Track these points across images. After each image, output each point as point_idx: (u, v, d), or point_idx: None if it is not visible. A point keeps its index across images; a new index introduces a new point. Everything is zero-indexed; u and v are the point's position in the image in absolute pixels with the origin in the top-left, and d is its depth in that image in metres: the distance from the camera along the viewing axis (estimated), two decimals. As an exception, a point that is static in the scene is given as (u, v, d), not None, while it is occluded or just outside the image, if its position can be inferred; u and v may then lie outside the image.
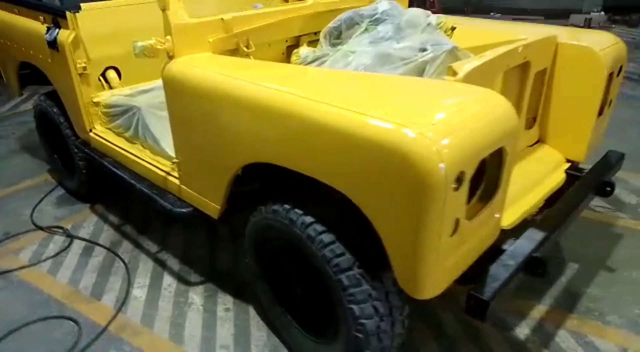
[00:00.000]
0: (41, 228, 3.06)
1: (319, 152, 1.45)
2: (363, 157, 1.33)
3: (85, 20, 2.63)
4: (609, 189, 2.12)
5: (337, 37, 2.31)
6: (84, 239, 2.92)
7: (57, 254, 2.80)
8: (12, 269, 2.68)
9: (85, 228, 3.06)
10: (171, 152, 2.21)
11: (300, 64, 2.29)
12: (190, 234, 2.92)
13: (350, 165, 1.38)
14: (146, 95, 2.68)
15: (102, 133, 2.75)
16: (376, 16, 2.24)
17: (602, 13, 8.75)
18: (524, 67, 1.99)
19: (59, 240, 2.94)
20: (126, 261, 2.71)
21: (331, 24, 2.28)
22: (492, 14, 10.18)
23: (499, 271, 1.58)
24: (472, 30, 2.46)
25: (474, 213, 1.49)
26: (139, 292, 2.46)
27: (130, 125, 2.56)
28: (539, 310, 2.24)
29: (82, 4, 2.66)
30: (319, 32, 2.34)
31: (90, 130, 2.80)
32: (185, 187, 2.17)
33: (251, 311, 2.30)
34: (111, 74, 2.87)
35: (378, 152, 1.28)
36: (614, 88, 2.27)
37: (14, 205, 3.37)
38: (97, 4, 2.82)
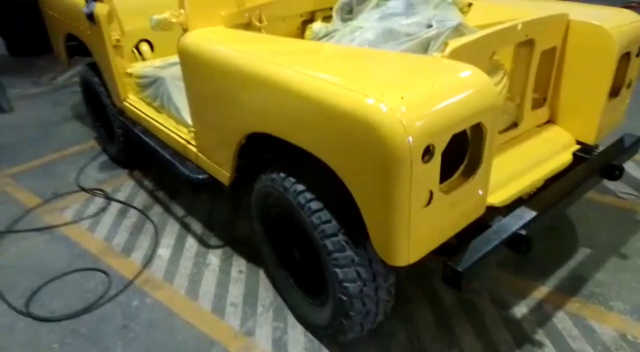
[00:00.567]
0: (84, 190, 3.36)
1: (305, 122, 1.55)
2: (339, 128, 1.41)
3: (115, -6, 2.80)
4: (617, 172, 2.07)
5: (349, 12, 2.35)
6: (120, 202, 3.18)
7: (96, 213, 3.08)
8: (56, 224, 2.98)
9: (123, 191, 3.32)
10: (190, 121, 2.37)
11: (312, 38, 2.36)
12: (215, 201, 3.11)
13: (329, 135, 1.47)
14: (174, 67, 2.84)
15: (134, 102, 2.96)
16: (388, -9, 2.26)
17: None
18: (530, 44, 1.97)
19: (98, 201, 3.22)
20: (155, 222, 2.94)
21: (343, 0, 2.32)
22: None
23: (479, 245, 1.63)
24: (489, 7, 2.41)
25: (454, 187, 1.55)
26: (164, 251, 2.69)
27: (157, 95, 2.75)
28: (541, 291, 2.25)
29: (117, -20, 2.84)
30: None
31: (125, 100, 3.01)
32: (201, 155, 2.33)
33: (261, 274, 2.46)
34: (144, 47, 3.06)
35: (351, 123, 1.36)
36: (633, 68, 2.19)
37: (63, 168, 3.70)
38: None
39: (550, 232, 2.64)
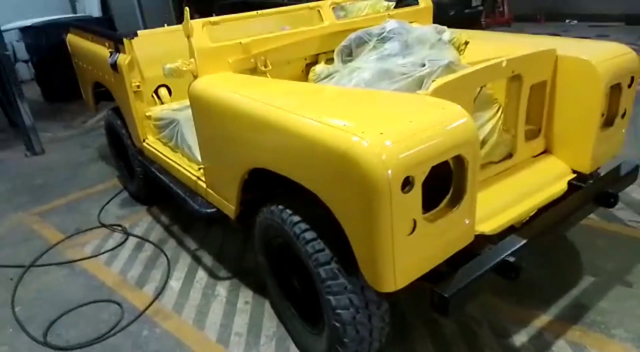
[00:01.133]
0: (104, 225, 3.53)
1: (297, 158, 1.67)
2: (326, 163, 1.52)
3: (140, 45, 3.05)
4: (612, 200, 2.10)
5: (349, 54, 2.50)
6: (137, 236, 3.33)
7: (114, 248, 3.23)
8: (76, 259, 3.14)
9: (140, 227, 3.48)
10: (200, 159, 2.52)
11: (315, 79, 2.52)
12: (226, 235, 3.22)
13: (318, 169, 1.58)
14: (188, 110, 3.00)
15: (152, 143, 3.15)
16: (383, 34, 2.41)
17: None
18: (518, 79, 2.06)
19: (117, 236, 3.38)
20: (169, 256, 3.07)
21: (343, 43, 2.48)
22: (567, 21, 9.73)
23: (466, 271, 1.68)
24: (484, 45, 2.54)
25: (440, 216, 1.62)
26: (175, 284, 2.79)
27: (172, 136, 2.93)
28: (542, 320, 2.25)
29: (138, 31, 3.09)
30: (336, 50, 2.55)
31: (144, 140, 3.21)
32: (210, 190, 2.47)
33: (266, 305, 2.52)
34: (162, 91, 3.28)
35: (336, 158, 1.47)
36: (626, 99, 2.25)
37: (87, 205, 3.90)
38: (152, 31, 3.26)
39: (554, 260, 2.64)
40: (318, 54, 2.67)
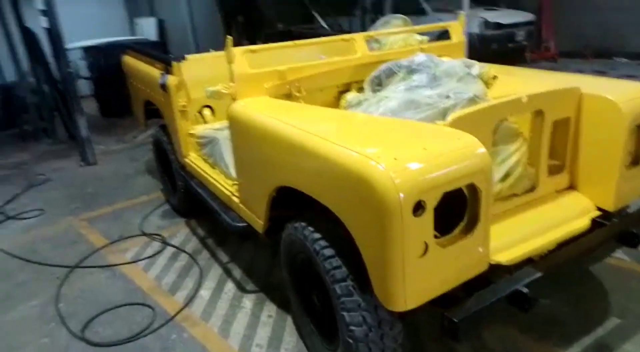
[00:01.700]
0: (145, 234, 3.76)
1: (319, 177, 1.80)
2: (344, 183, 1.64)
3: (188, 68, 3.29)
4: (636, 240, 2.10)
5: (378, 84, 2.63)
6: (174, 246, 3.53)
7: (152, 255, 3.43)
8: (117, 263, 3.35)
9: (178, 237, 3.68)
10: (235, 175, 2.69)
11: (346, 106, 2.66)
12: (257, 250, 3.36)
13: (337, 189, 1.70)
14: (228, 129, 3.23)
15: (193, 159, 3.36)
16: (412, 67, 2.52)
17: None
18: (540, 115, 2.12)
19: (156, 245, 3.59)
20: (202, 266, 3.23)
21: (373, 73, 2.61)
22: (615, 58, 9.53)
23: (479, 298, 1.73)
24: (512, 81, 2.61)
25: (452, 242, 1.69)
26: (205, 293, 2.94)
27: (212, 153, 3.13)
28: (563, 357, 2.24)
29: (187, 56, 3.35)
30: (367, 80, 2.69)
31: (186, 156, 3.43)
32: (242, 205, 2.62)
33: (289, 320, 2.62)
34: (206, 111, 3.51)
35: (353, 179, 1.58)
36: (651, 138, 2.25)
37: (130, 215, 4.16)
38: (200, 55, 3.51)
39: (582, 299, 2.61)
40: (350, 83, 2.81)
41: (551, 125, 2.16)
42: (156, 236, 3.70)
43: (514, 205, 2.22)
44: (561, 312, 2.52)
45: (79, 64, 9.61)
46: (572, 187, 2.38)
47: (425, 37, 3.23)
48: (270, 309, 2.73)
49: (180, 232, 3.75)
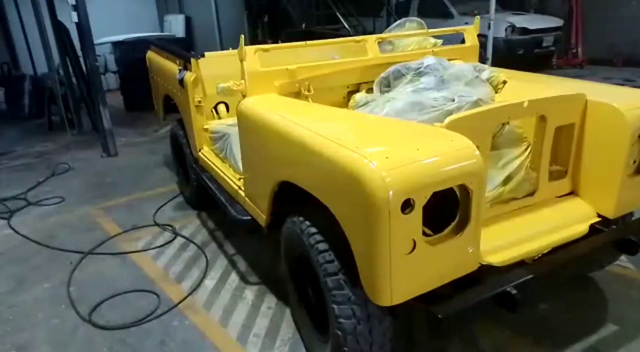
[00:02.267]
0: (157, 225, 3.87)
1: (316, 173, 1.85)
2: (338, 179, 1.68)
3: (206, 65, 3.38)
4: (634, 248, 2.09)
5: (387, 85, 2.66)
6: (184, 237, 3.63)
7: (162, 245, 3.54)
8: (129, 251, 3.47)
9: (188, 229, 3.78)
10: (242, 170, 2.76)
11: (354, 106, 2.70)
12: (262, 243, 3.43)
13: (332, 185, 1.75)
14: (240, 125, 3.31)
15: (206, 153, 3.45)
16: (420, 69, 2.55)
17: None
18: (543, 120, 2.13)
19: (167, 235, 3.69)
20: (209, 257, 3.32)
21: (382, 75, 2.65)
22: (645, 66, 9.31)
23: (465, 297, 1.76)
24: (522, 86, 2.61)
25: (442, 241, 1.72)
26: (209, 283, 3.03)
27: (223, 148, 3.21)
28: (553, 362, 2.24)
29: (206, 53, 3.44)
30: (377, 80, 2.73)
31: (200, 150, 3.52)
32: (247, 199, 2.69)
33: (287, 312, 2.68)
34: (221, 107, 3.60)
35: (346, 176, 1.63)
36: (658, 148, 2.23)
37: (146, 205, 4.28)
38: (218, 53, 3.60)
39: (581, 306, 2.60)
40: (360, 83, 2.86)
41: (553, 130, 2.16)
42: (168, 227, 3.81)
43: (513, 208, 2.23)
44: (558, 318, 2.51)
45: (109, 58, 9.92)
46: (574, 193, 2.37)
47: (439, 41, 3.24)
48: (270, 301, 2.80)
49: (191, 224, 3.85)
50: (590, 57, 9.87)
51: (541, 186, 2.24)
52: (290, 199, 2.29)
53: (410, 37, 3.10)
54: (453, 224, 1.77)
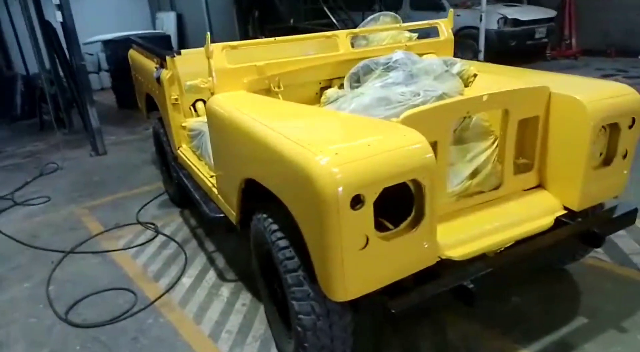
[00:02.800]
0: (140, 223, 3.89)
1: (273, 170, 1.86)
2: (291, 176, 1.69)
3: (183, 62, 3.38)
4: (598, 240, 2.09)
5: (357, 81, 2.66)
6: (165, 235, 3.65)
7: (143, 243, 3.56)
8: (109, 249, 3.49)
9: (170, 227, 3.79)
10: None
11: (325, 102, 2.69)
12: (242, 241, 3.44)
13: (286, 182, 1.76)
14: (217, 123, 3.31)
15: (184, 151, 3.46)
16: (389, 64, 2.54)
17: None
18: (506, 113, 2.12)
19: (149, 233, 3.71)
20: (188, 255, 3.33)
21: (352, 70, 2.64)
22: (639, 57, 9.25)
23: (421, 291, 1.76)
24: (491, 79, 2.61)
25: (396, 236, 1.72)
26: (186, 280, 3.04)
27: (199, 146, 3.21)
28: (520, 354, 2.25)
29: (182, 51, 3.44)
30: (349, 76, 2.72)
31: (178, 148, 3.53)
32: (220, 196, 2.70)
33: (261, 309, 2.69)
34: (199, 105, 3.60)
35: (298, 172, 1.63)
36: (626, 140, 2.22)
37: (130, 204, 4.30)
38: (195, 50, 3.59)
39: (554, 298, 2.61)
40: (332, 79, 2.86)
41: (516, 123, 2.15)
42: (150, 225, 3.82)
43: (479, 202, 2.23)
44: (530, 311, 2.52)
45: (101, 57, 9.92)
46: (542, 186, 2.37)
47: (414, 35, 3.23)
48: (245, 298, 2.81)
49: (174, 222, 3.87)
50: (584, 48, 9.81)
51: (506, 179, 2.23)
52: (257, 196, 2.30)
53: (384, 31, 3.09)
54: (409, 219, 1.78)
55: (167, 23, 10.52)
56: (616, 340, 2.29)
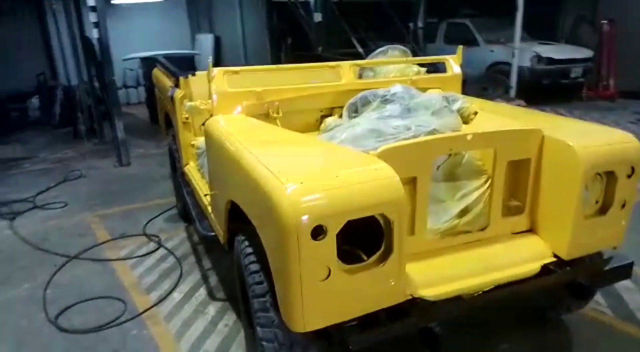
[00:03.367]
0: (145, 235, 3.97)
1: (247, 194, 1.88)
2: (261, 202, 1.70)
3: (198, 82, 3.49)
4: (585, 293, 2.00)
5: (355, 111, 2.68)
6: (166, 248, 3.71)
7: (143, 255, 3.63)
8: (110, 258, 3.58)
9: (173, 241, 3.86)
10: (211, 187, 2.82)
11: (324, 129, 2.72)
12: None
13: (257, 207, 1.78)
14: (223, 143, 3.39)
15: (191, 168, 3.54)
16: (387, 97, 2.56)
17: None
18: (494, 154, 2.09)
19: (151, 245, 3.79)
20: (184, 270, 3.38)
21: (351, 100, 2.66)
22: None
23: (384, 330, 1.72)
24: (492, 118, 2.58)
25: (361, 270, 1.70)
26: (177, 295, 3.08)
27: (203, 164, 3.28)
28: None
29: (197, 72, 3.56)
30: (349, 106, 2.75)
31: (186, 165, 3.62)
32: (212, 215, 2.74)
33: (242, 332, 2.68)
34: (210, 125, 3.69)
35: (267, 199, 1.64)
36: (624, 189, 2.13)
37: (140, 215, 4.41)
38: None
39: (544, 348, 2.49)
40: (333, 107, 2.89)
41: (505, 165, 2.11)
42: (154, 237, 3.90)
43: (464, 241, 2.18)
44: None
45: (139, 73, 10.35)
46: (532, 230, 2.29)
47: (423, 69, 3.24)
48: (229, 319, 2.81)
49: (177, 236, 3.94)
50: (623, 90, 9.53)
51: (493, 221, 2.18)
52: (240, 219, 2.33)
53: (390, 64, 3.11)
54: (378, 253, 1.75)
55: (206, 44, 10.92)
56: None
